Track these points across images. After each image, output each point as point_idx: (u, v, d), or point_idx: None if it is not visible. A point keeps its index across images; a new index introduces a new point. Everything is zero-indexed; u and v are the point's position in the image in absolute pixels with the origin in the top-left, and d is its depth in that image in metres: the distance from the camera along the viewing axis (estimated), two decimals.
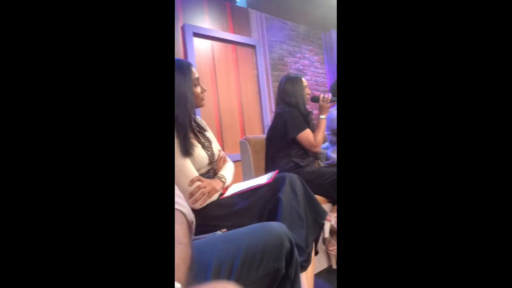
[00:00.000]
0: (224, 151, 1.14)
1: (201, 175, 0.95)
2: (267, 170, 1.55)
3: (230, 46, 2.59)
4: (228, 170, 1.05)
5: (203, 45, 2.40)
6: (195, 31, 2.31)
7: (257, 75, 2.75)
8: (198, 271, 0.45)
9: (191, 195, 0.89)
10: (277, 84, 1.64)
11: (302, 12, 2.98)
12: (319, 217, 0.94)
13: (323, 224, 0.96)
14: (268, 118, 2.70)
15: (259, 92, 2.75)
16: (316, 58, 3.40)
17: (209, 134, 1.10)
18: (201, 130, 1.07)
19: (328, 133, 1.73)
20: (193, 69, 1.01)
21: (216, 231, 0.85)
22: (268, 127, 1.58)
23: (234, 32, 2.62)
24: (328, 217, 1.12)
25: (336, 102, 1.58)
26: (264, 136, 1.62)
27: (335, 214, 1.36)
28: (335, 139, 1.69)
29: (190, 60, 2.23)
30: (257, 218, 0.89)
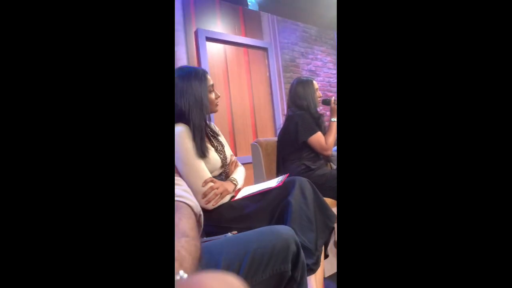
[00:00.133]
0: (236, 154, 1.17)
1: (214, 177, 0.99)
2: (278, 173, 1.56)
3: (242, 49, 2.62)
4: (239, 174, 1.08)
5: (216, 49, 2.44)
6: (208, 36, 2.35)
7: (269, 77, 2.77)
8: (207, 270, 0.47)
9: (204, 195, 0.93)
10: (289, 86, 1.65)
11: (314, 13, 2.98)
12: (329, 220, 0.94)
13: (333, 228, 0.97)
14: (280, 120, 2.71)
15: (271, 94, 2.77)
16: (328, 58, 3.37)
17: (222, 138, 1.14)
18: (215, 134, 1.12)
19: None
20: (209, 76, 1.06)
21: (227, 233, 0.88)
22: (279, 130, 1.60)
23: (246, 35, 2.65)
24: None
25: None
26: (276, 138, 1.64)
27: None
28: None
29: (203, 64, 2.28)
30: (267, 221, 0.91)
